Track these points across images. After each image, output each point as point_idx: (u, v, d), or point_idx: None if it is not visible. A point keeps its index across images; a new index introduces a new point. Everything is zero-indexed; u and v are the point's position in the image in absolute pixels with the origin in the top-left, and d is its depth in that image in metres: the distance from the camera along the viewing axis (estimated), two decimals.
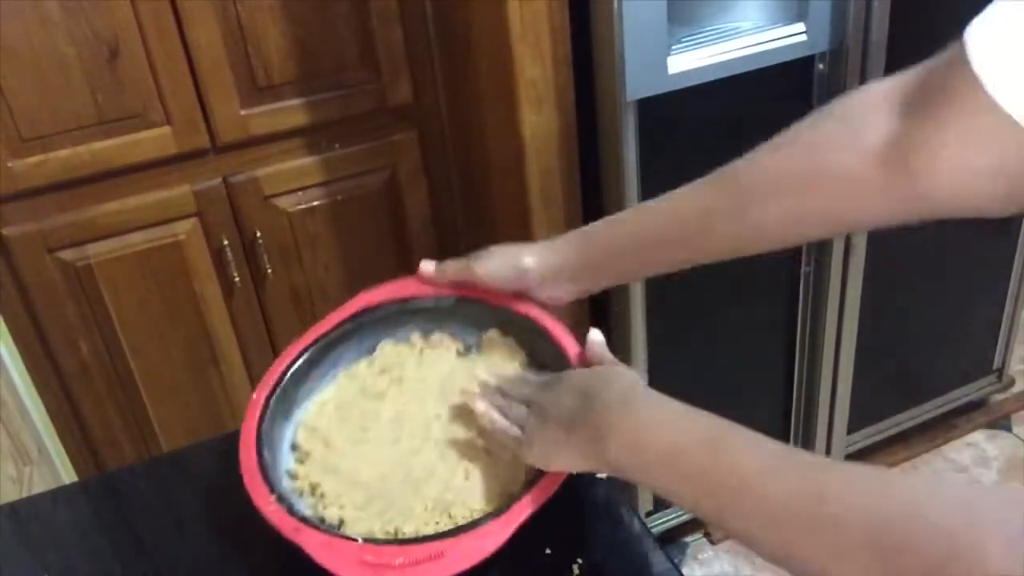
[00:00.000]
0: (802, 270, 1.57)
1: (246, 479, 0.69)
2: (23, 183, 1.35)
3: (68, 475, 1.53)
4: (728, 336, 1.58)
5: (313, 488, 0.73)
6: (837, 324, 1.62)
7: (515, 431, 0.70)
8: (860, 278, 1.59)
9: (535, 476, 0.68)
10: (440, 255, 1.71)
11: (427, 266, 0.88)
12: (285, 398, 0.80)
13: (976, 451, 1.93)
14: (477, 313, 0.84)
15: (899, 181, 0.58)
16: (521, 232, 1.39)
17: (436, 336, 0.87)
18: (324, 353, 0.85)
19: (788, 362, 1.67)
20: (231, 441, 0.73)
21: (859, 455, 1.86)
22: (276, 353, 1.63)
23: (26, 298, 1.42)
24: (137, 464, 1.34)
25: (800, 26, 1.33)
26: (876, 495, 0.47)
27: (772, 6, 1.33)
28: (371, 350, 0.86)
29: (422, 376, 0.83)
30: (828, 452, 1.78)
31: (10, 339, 1.43)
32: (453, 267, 0.84)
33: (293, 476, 0.75)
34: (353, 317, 0.85)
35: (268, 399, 0.78)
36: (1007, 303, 1.80)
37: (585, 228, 0.78)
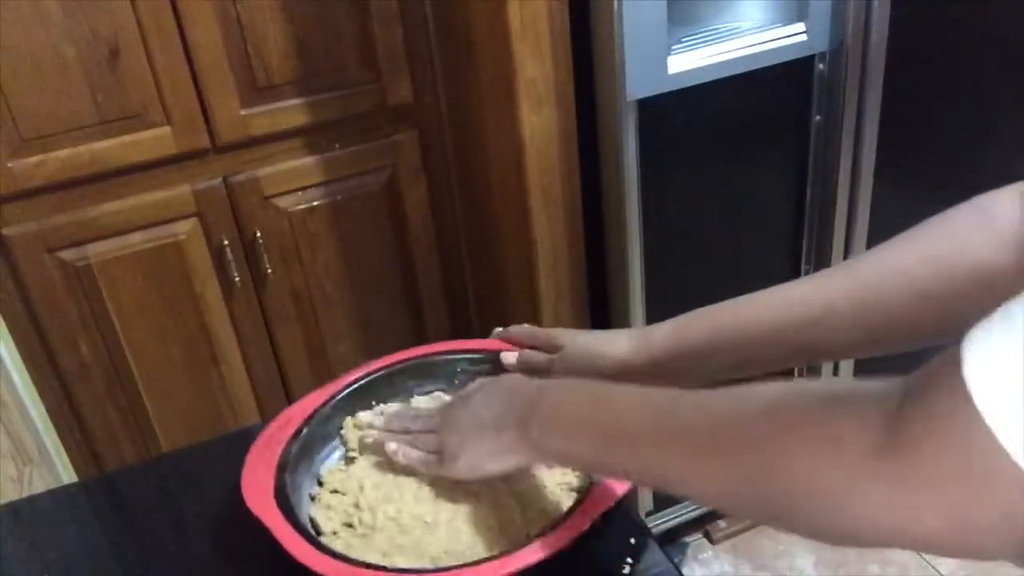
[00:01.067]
0: (802, 270, 1.57)
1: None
2: (23, 183, 1.35)
3: (68, 475, 1.53)
4: None
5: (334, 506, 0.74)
6: None
7: (432, 457, 0.71)
8: None
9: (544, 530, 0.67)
10: (440, 255, 1.72)
11: (509, 357, 0.84)
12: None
13: None
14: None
15: None
16: (521, 232, 1.39)
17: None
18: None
19: None
20: (231, 441, 0.73)
21: None
22: (276, 353, 1.65)
23: (26, 298, 1.42)
24: (137, 464, 1.35)
25: (800, 26, 1.33)
26: (711, 405, 0.51)
27: (772, 6, 1.34)
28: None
29: None
30: None
31: (10, 339, 1.43)
32: (538, 362, 0.81)
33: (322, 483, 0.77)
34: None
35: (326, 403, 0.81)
36: None
37: (679, 318, 0.73)
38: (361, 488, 0.74)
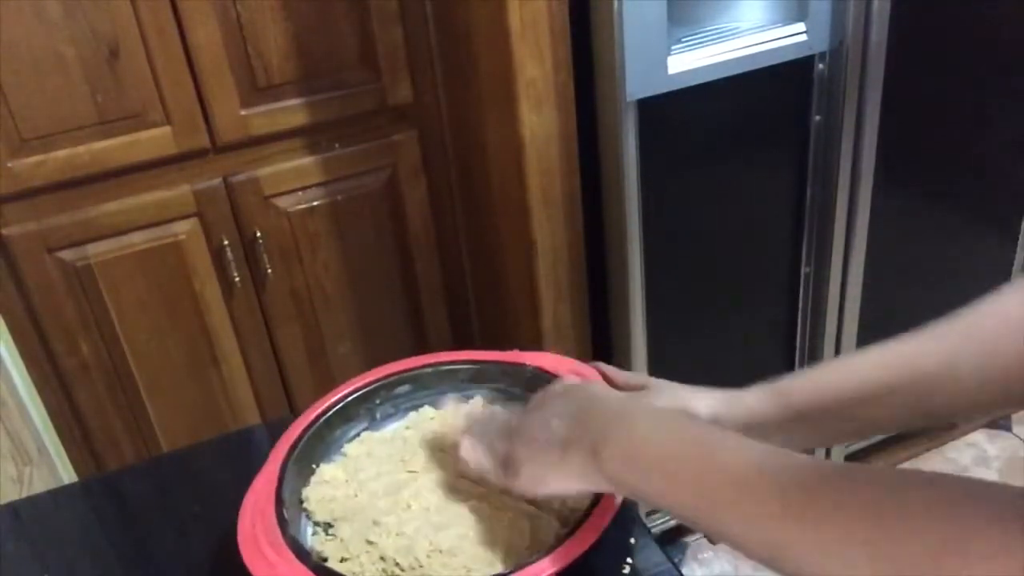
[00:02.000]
0: (802, 270, 1.57)
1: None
2: (23, 183, 1.35)
3: (68, 475, 1.53)
4: (728, 336, 1.58)
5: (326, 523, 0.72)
6: (837, 324, 1.62)
7: (498, 467, 0.65)
8: (860, 278, 1.59)
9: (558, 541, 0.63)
10: (440, 255, 1.72)
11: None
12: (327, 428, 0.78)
13: (976, 451, 1.93)
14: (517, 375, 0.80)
15: None
16: (521, 232, 1.39)
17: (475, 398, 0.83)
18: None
19: (788, 362, 1.67)
20: (231, 441, 0.73)
21: (859, 455, 1.86)
22: (276, 353, 1.65)
23: (26, 298, 1.42)
24: (137, 464, 1.35)
25: (800, 26, 1.33)
26: (867, 486, 0.45)
27: (772, 6, 1.34)
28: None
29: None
30: (828, 452, 1.78)
31: (10, 339, 1.43)
32: (619, 382, 0.75)
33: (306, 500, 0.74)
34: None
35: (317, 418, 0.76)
36: None
37: (778, 378, 0.66)
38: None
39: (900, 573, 0.42)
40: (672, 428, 0.57)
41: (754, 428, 0.65)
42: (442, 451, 0.76)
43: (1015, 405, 0.58)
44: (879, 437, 1.86)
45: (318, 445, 0.75)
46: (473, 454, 0.67)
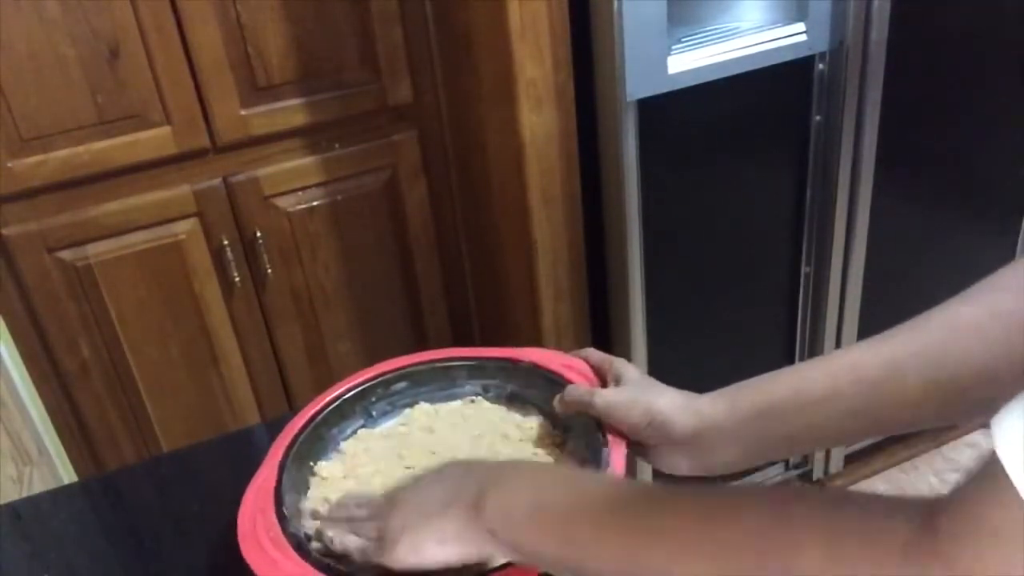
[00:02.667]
0: (802, 270, 1.57)
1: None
2: (23, 183, 1.35)
3: (68, 475, 1.53)
4: (728, 336, 1.58)
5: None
6: (837, 324, 1.62)
7: (370, 545, 0.63)
8: (860, 278, 1.59)
9: None
10: (440, 255, 1.72)
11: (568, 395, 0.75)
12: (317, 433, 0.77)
13: (976, 451, 1.93)
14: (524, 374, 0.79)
15: None
16: (521, 231, 1.39)
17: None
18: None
19: (788, 362, 1.67)
20: (231, 441, 0.73)
21: (859, 455, 1.86)
22: (276, 353, 1.65)
23: (26, 298, 1.42)
24: (137, 464, 1.35)
25: (800, 26, 1.33)
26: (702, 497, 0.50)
27: (772, 6, 1.34)
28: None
29: (455, 439, 0.78)
30: (828, 452, 1.78)
31: (10, 339, 1.43)
32: (575, 394, 0.72)
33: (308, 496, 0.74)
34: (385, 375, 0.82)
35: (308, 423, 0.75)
36: None
37: (731, 386, 0.66)
38: None
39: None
40: (545, 480, 0.59)
41: (704, 433, 0.64)
42: (434, 452, 0.76)
43: (963, 416, 0.57)
44: (878, 438, 1.86)
45: (316, 443, 0.75)
46: (340, 540, 0.64)
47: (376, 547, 0.62)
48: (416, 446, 0.76)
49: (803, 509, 0.45)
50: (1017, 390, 0.46)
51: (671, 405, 0.66)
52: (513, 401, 0.80)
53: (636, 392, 0.69)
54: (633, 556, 0.51)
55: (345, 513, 0.67)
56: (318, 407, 0.77)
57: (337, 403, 0.78)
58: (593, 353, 0.78)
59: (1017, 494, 0.34)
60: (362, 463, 0.75)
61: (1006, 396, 0.47)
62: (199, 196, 1.47)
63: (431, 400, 0.81)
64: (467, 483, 0.60)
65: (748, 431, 0.63)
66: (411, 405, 0.81)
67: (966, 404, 0.57)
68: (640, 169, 1.33)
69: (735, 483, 0.51)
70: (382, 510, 0.64)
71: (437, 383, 0.82)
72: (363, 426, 0.80)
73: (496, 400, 0.81)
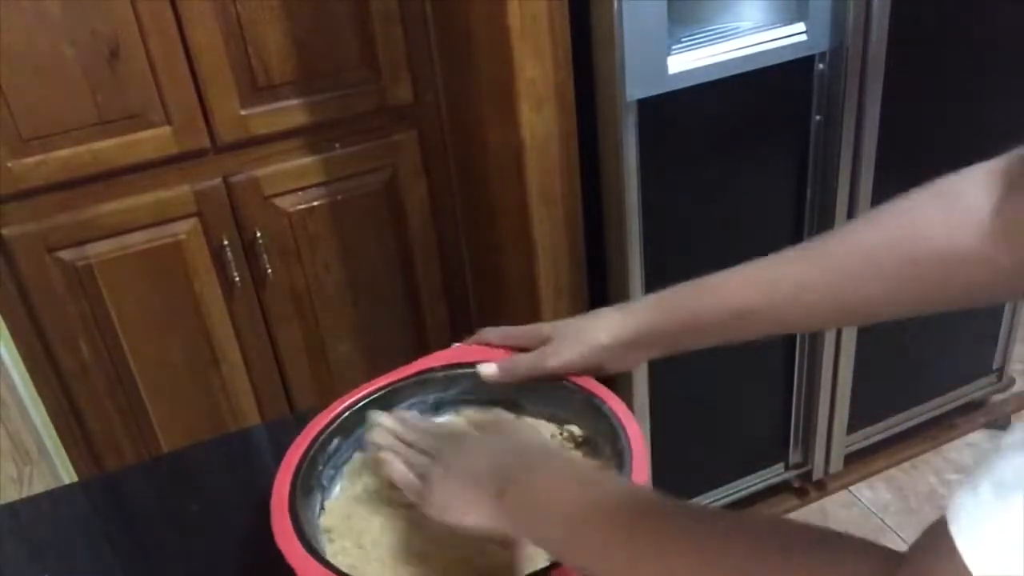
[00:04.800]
0: None
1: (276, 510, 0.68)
2: (23, 183, 1.35)
3: (68, 475, 1.53)
4: None
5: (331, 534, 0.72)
6: None
7: (415, 483, 0.68)
8: None
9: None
10: (440, 255, 1.72)
11: (489, 369, 0.79)
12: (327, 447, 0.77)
13: (976, 451, 1.93)
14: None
15: (1003, 256, 0.57)
16: (521, 232, 1.39)
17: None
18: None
19: (788, 362, 1.67)
20: (231, 441, 0.73)
21: (859, 455, 1.86)
22: (276, 353, 1.65)
23: (26, 298, 1.42)
24: (137, 464, 1.35)
25: (800, 26, 1.33)
26: (702, 515, 0.54)
27: (772, 6, 1.34)
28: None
29: None
30: (828, 452, 1.78)
31: (10, 339, 1.43)
32: (525, 364, 0.78)
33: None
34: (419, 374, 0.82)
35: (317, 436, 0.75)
36: (1007, 303, 1.80)
37: (661, 294, 0.76)
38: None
39: None
40: (566, 476, 0.62)
41: (643, 338, 0.74)
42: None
43: (860, 323, 0.67)
44: (878, 438, 1.86)
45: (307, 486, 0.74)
46: (394, 467, 0.70)
47: (417, 489, 0.67)
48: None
49: (786, 545, 0.48)
50: (911, 305, 0.62)
51: (610, 330, 0.75)
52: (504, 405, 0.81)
53: (580, 343, 0.76)
54: (634, 569, 0.54)
55: (406, 438, 0.72)
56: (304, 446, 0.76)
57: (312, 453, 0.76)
58: (495, 331, 0.82)
59: (966, 568, 0.36)
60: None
61: (898, 309, 0.63)
62: (199, 196, 1.47)
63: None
64: (500, 465, 0.64)
65: (679, 340, 0.75)
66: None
67: (867, 315, 0.68)
68: (640, 169, 1.33)
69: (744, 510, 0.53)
70: (435, 451, 0.68)
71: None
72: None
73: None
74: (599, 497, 0.58)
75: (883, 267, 0.62)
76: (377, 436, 0.74)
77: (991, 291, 0.61)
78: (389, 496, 0.74)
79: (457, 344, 0.84)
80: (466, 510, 0.64)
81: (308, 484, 0.72)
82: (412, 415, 0.79)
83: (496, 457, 0.65)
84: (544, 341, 0.77)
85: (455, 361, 0.82)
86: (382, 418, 0.76)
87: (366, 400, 0.79)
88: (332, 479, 0.77)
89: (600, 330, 0.75)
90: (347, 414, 0.78)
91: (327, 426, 0.76)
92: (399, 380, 0.81)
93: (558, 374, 0.76)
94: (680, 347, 0.76)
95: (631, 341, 0.75)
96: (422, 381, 0.81)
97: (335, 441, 0.77)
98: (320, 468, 0.75)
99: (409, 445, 0.71)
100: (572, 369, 0.76)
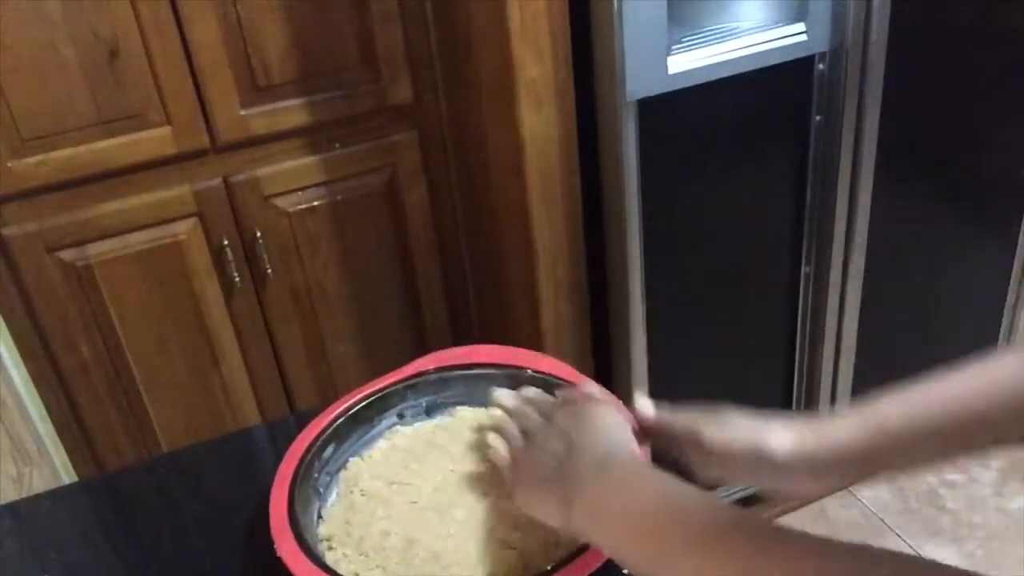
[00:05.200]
0: (802, 270, 1.57)
1: (275, 520, 0.68)
2: (23, 183, 1.35)
3: (68, 475, 1.53)
4: (728, 336, 1.58)
5: (332, 542, 0.71)
6: (837, 324, 1.62)
7: (511, 468, 0.69)
8: (860, 278, 1.59)
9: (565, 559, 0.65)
10: (440, 255, 1.72)
11: (646, 407, 0.71)
12: (329, 447, 0.77)
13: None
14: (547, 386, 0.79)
15: None
16: (521, 232, 1.39)
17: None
18: (380, 408, 0.82)
19: (788, 361, 1.67)
20: (231, 441, 0.73)
21: None
22: (276, 353, 1.65)
23: (26, 298, 1.42)
24: (137, 464, 1.35)
25: (800, 26, 1.33)
26: (821, 546, 0.48)
27: (772, 6, 1.33)
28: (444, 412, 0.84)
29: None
30: None
31: (10, 339, 1.43)
32: (682, 422, 0.69)
33: (321, 521, 0.73)
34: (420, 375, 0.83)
35: (313, 443, 0.75)
36: (1007, 303, 1.80)
37: (861, 407, 0.63)
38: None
39: None
40: (639, 485, 0.59)
41: (845, 462, 0.61)
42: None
43: None
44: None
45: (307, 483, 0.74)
46: (494, 454, 0.71)
47: (510, 472, 0.68)
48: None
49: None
50: None
51: (792, 436, 0.62)
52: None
53: (748, 432, 0.65)
54: None
55: (521, 417, 0.71)
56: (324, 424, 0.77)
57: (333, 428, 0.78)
58: (678, 419, 0.70)
59: None
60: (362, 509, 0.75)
61: None
62: (199, 196, 1.47)
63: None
64: (567, 467, 0.63)
65: (892, 455, 0.61)
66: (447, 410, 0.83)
67: None
68: (640, 169, 1.33)
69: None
70: (533, 434, 0.68)
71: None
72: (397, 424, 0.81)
73: None
74: (678, 510, 0.55)
75: None
76: (501, 400, 0.75)
77: None
78: (388, 498, 0.74)
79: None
80: (541, 509, 0.65)
81: (306, 494, 0.72)
82: (534, 391, 0.77)
83: (563, 457, 0.64)
84: (711, 409, 0.69)
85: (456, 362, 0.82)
86: (503, 398, 0.76)
87: (358, 406, 0.79)
88: (328, 486, 0.76)
89: (780, 431, 0.63)
90: (340, 420, 0.78)
91: (321, 433, 0.76)
92: (392, 384, 0.81)
93: (708, 447, 0.66)
94: (886, 467, 0.63)
95: (818, 451, 0.61)
96: (414, 385, 0.82)
97: (330, 448, 0.77)
98: (316, 476, 0.74)
99: (521, 416, 0.72)
100: (726, 457, 0.65)
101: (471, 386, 0.82)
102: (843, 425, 0.62)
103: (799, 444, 0.62)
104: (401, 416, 0.83)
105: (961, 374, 0.62)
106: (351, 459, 0.79)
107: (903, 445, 0.60)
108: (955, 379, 0.62)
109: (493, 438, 0.71)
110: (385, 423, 0.82)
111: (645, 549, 0.56)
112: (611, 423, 0.66)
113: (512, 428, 0.71)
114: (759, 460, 0.63)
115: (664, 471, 0.59)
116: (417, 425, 0.82)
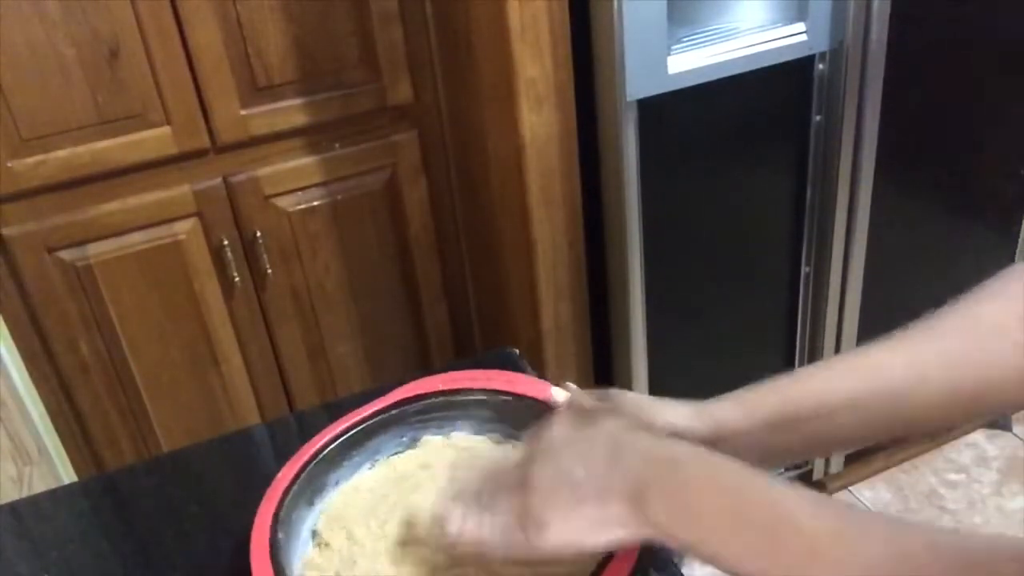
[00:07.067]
0: (802, 270, 1.57)
1: (255, 558, 0.63)
2: (23, 183, 1.35)
3: (68, 475, 1.53)
4: (728, 336, 1.58)
5: None
6: (837, 324, 1.62)
7: (503, 536, 0.57)
8: (860, 278, 1.59)
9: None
10: (440, 255, 1.72)
11: (558, 395, 0.72)
12: (312, 481, 0.71)
13: (976, 451, 1.93)
14: (531, 411, 0.72)
15: None
16: (521, 232, 1.39)
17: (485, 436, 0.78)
18: (362, 440, 0.75)
19: (788, 362, 1.67)
20: (231, 441, 0.73)
21: (859, 455, 1.86)
22: (276, 353, 1.65)
23: (26, 298, 1.42)
24: (137, 464, 1.34)
25: (800, 26, 1.33)
26: (955, 547, 0.45)
27: (772, 6, 1.34)
28: (414, 442, 0.78)
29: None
30: (827, 461, 1.78)
31: (10, 339, 1.43)
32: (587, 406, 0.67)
33: (309, 565, 0.69)
34: (397, 405, 0.76)
35: (295, 478, 0.70)
36: None
37: (743, 391, 0.63)
38: None
39: None
40: (726, 476, 0.54)
41: (720, 441, 0.61)
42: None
43: (989, 416, 0.58)
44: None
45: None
46: (468, 527, 0.58)
47: (517, 528, 0.56)
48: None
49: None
50: None
51: (680, 416, 0.62)
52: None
53: (636, 407, 0.64)
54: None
55: (472, 489, 0.61)
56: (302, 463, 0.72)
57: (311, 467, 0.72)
58: (572, 390, 0.71)
59: None
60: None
61: None
62: (199, 196, 1.47)
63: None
64: (623, 466, 0.55)
65: (766, 439, 0.60)
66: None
67: (991, 405, 0.57)
68: (640, 169, 1.33)
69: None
70: (514, 486, 0.58)
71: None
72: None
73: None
74: (786, 507, 0.50)
75: (1011, 338, 0.56)
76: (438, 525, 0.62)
77: None
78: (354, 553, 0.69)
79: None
80: (599, 529, 0.54)
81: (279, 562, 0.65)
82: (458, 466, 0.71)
83: (605, 460, 0.55)
84: (602, 395, 0.67)
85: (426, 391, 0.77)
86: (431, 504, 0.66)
87: (326, 450, 0.72)
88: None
89: (667, 410, 0.63)
90: (306, 471, 0.70)
91: (287, 488, 0.69)
92: (361, 421, 0.74)
93: None
94: (760, 452, 0.62)
95: (705, 436, 0.62)
96: (388, 421, 0.76)
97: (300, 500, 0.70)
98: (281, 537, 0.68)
99: (477, 496, 0.60)
100: None
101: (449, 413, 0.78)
102: (727, 401, 0.62)
103: (686, 421, 0.62)
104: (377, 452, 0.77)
105: (835, 363, 0.62)
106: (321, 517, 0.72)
107: (775, 431, 0.60)
108: (831, 368, 0.62)
109: (459, 511, 0.59)
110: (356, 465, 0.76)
111: (753, 554, 0.50)
112: (616, 423, 0.60)
113: (474, 488, 0.61)
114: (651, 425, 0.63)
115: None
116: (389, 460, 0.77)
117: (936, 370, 0.57)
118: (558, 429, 0.60)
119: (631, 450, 0.56)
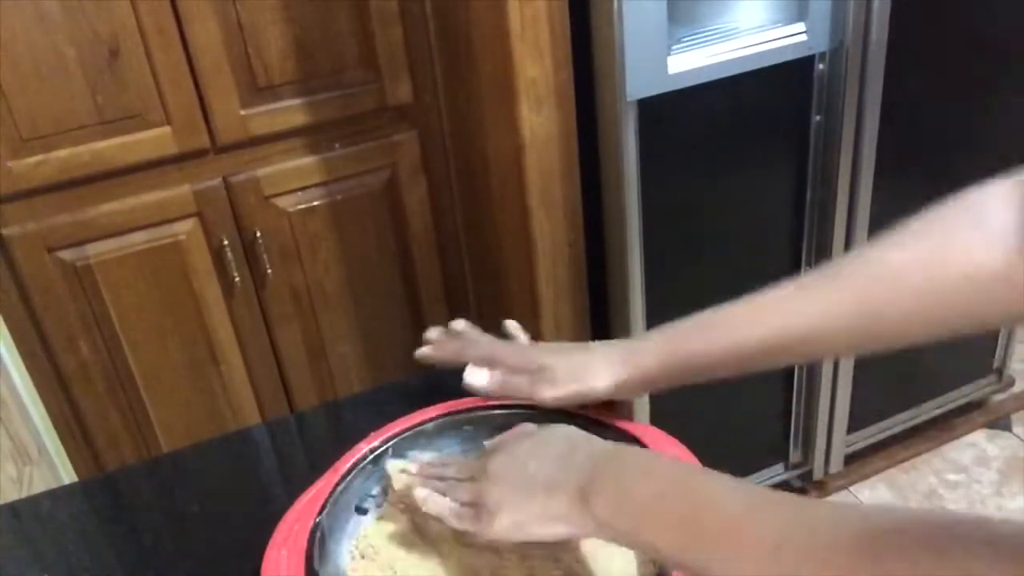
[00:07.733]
0: (802, 270, 1.57)
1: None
2: (23, 183, 1.35)
3: (68, 475, 1.53)
4: None
5: None
6: None
7: (465, 510, 0.62)
8: None
9: None
10: (440, 255, 1.72)
11: (478, 379, 0.76)
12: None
13: (976, 451, 1.93)
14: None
15: None
16: (521, 232, 1.39)
17: None
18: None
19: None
20: (231, 441, 0.73)
21: (859, 455, 1.86)
22: (276, 353, 1.64)
23: (26, 298, 1.42)
24: (137, 464, 1.34)
25: (800, 26, 1.33)
26: (859, 519, 0.47)
27: (772, 6, 1.34)
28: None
29: None
30: (828, 452, 1.78)
31: (10, 339, 1.43)
32: (519, 390, 0.74)
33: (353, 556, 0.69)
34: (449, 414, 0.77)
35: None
36: None
37: (665, 331, 0.70)
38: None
39: None
40: (660, 470, 0.57)
41: (646, 380, 0.70)
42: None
43: (883, 348, 0.63)
44: (878, 438, 1.86)
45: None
46: (430, 500, 0.64)
47: (471, 515, 0.61)
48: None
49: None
50: (938, 326, 0.59)
51: (614, 374, 0.70)
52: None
53: (573, 382, 0.72)
54: (774, 568, 0.48)
55: (435, 471, 0.67)
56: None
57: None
58: (474, 331, 0.81)
59: None
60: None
61: (926, 331, 0.60)
62: (199, 196, 1.47)
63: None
64: (572, 465, 0.59)
65: (677, 379, 0.69)
66: None
67: (892, 340, 0.62)
68: (640, 169, 1.33)
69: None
70: (476, 475, 0.63)
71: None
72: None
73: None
74: (712, 494, 0.53)
75: (909, 291, 0.60)
76: (401, 483, 0.69)
77: (1017, 311, 0.59)
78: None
79: (433, 334, 0.83)
80: (544, 521, 0.58)
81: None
82: (430, 456, 0.74)
83: (560, 459, 0.60)
84: (537, 369, 0.73)
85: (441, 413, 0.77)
86: (403, 465, 0.71)
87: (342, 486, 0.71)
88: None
89: (600, 371, 0.71)
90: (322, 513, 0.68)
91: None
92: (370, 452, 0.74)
93: (543, 404, 0.73)
94: (686, 383, 0.70)
95: (633, 384, 0.70)
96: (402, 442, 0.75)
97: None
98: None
99: (439, 478, 0.66)
100: (566, 405, 0.72)
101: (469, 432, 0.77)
102: (651, 350, 0.70)
103: (618, 380, 0.71)
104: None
105: (743, 306, 0.68)
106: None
107: (695, 371, 0.69)
108: (739, 312, 0.68)
109: (422, 492, 0.64)
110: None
111: (676, 535, 0.53)
112: (575, 429, 0.65)
113: (440, 482, 0.65)
114: (586, 399, 0.72)
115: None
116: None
117: (843, 319, 0.62)
118: (517, 432, 0.67)
119: (583, 451, 0.60)
